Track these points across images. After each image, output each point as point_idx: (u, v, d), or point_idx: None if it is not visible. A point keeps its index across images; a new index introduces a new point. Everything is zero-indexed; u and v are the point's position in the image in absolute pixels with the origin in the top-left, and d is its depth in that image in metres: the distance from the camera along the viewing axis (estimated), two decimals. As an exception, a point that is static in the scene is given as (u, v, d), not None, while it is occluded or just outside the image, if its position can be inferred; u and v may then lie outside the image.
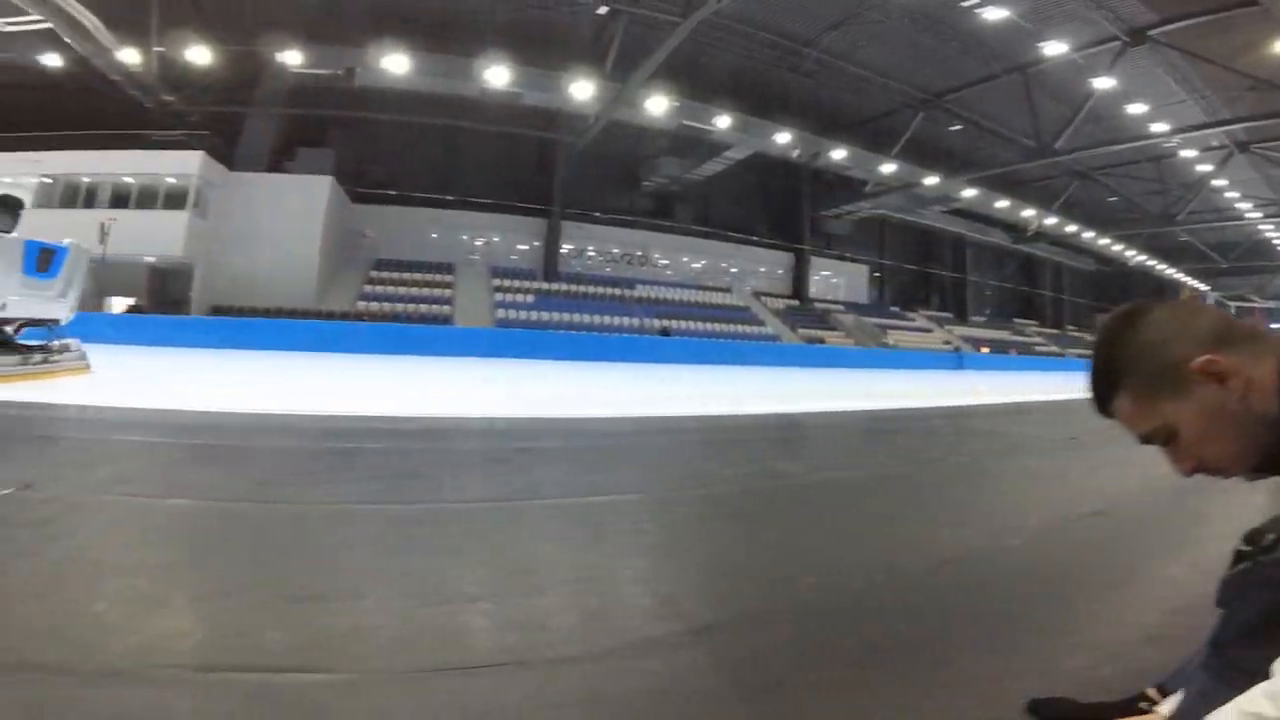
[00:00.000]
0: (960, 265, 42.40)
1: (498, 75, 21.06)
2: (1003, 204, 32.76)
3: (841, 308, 35.41)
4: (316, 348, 16.45)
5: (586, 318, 25.45)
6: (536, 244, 30.56)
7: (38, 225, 20.49)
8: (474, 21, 21.37)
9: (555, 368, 14.73)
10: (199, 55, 19.36)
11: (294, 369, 11.49)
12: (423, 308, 23.86)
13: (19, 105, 22.29)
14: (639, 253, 32.98)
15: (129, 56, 19.07)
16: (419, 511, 3.05)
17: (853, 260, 38.84)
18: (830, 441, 6.80)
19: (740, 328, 28.61)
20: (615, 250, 32.55)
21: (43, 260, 8.21)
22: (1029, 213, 34.08)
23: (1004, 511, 3.85)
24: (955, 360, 28.79)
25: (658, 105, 22.69)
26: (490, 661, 1.62)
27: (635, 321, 26.28)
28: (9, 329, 7.95)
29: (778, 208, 35.38)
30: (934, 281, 42.92)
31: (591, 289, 28.86)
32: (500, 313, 24.89)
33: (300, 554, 2.42)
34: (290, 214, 22.83)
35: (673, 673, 1.60)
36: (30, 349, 7.89)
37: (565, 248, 30.81)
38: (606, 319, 25.75)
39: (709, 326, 27.69)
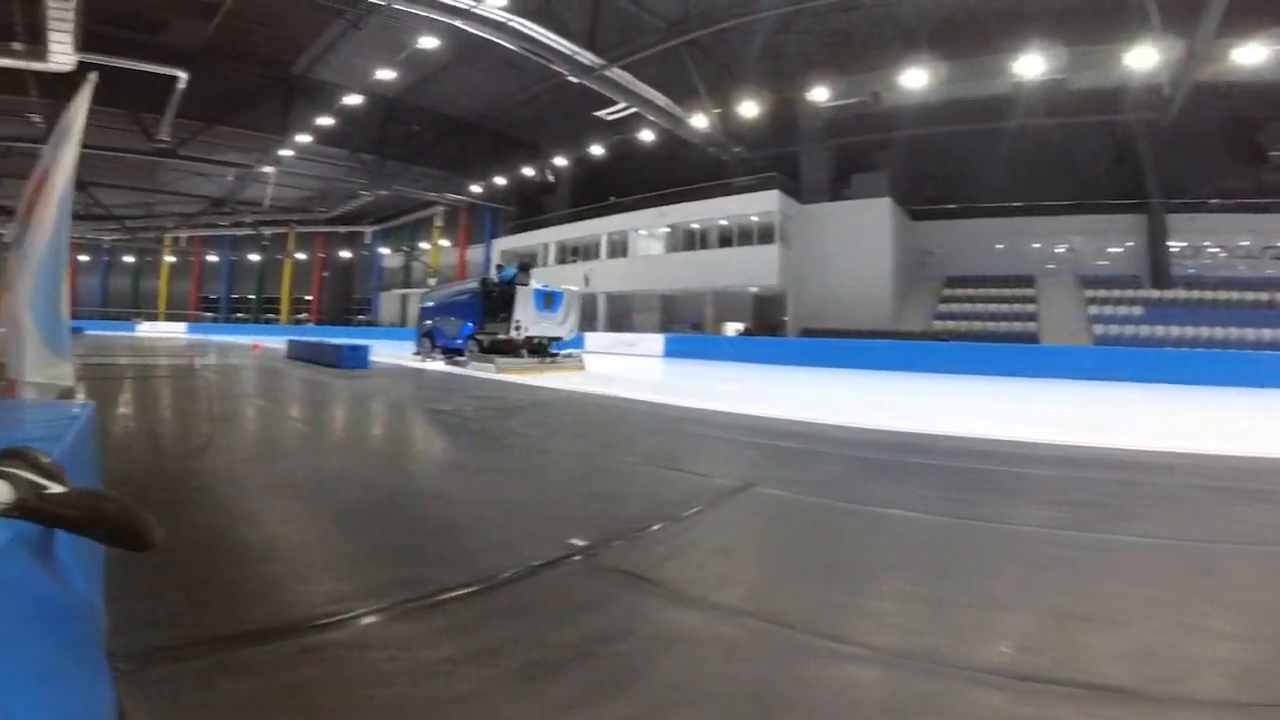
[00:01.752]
0: None
1: (1031, 65, 18.06)
2: None
3: None
4: (897, 367, 16.86)
5: (1218, 331, 19.56)
6: (1131, 244, 25.07)
7: (667, 265, 26.29)
8: (979, 18, 18.80)
9: (1189, 393, 11.49)
10: (747, 109, 21.83)
11: (884, 388, 11.90)
12: (1003, 325, 22.13)
13: (641, 170, 28.95)
14: (1291, 242, 23.74)
15: (698, 122, 22.86)
16: (1128, 544, 2.74)
17: None
18: None
19: None
20: (1244, 243, 24.30)
21: (546, 300, 13.14)
22: None
23: None
24: None
25: (1252, 54, 16.02)
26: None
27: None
28: (541, 342, 13.28)
29: None
30: None
31: (1221, 294, 21.94)
32: (1099, 328, 21.19)
33: (1032, 573, 2.38)
34: (858, 238, 24.38)
35: None
36: (548, 354, 13.27)
37: (1174, 246, 24.49)
38: (1252, 332, 19.21)
39: None
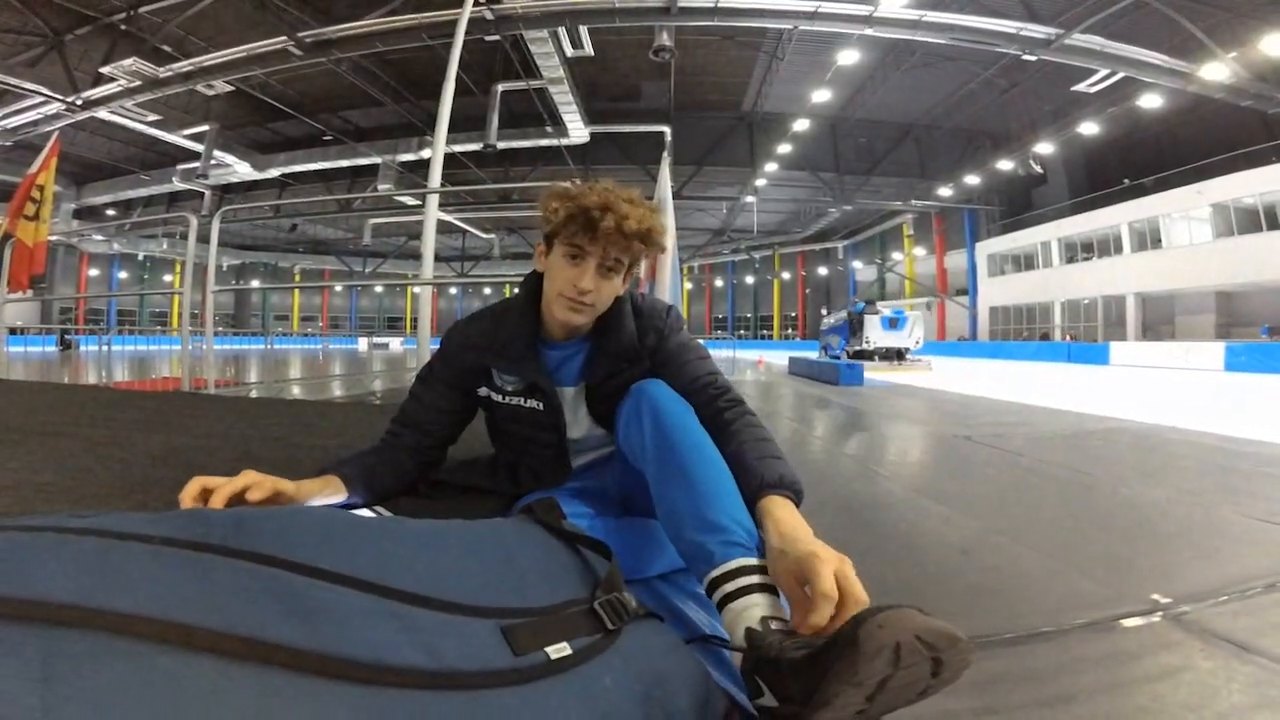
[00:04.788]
0: None
1: None
2: None
3: None
4: None
5: None
6: None
7: (1219, 254, 21.13)
8: None
9: None
10: (1274, 45, 16.01)
11: None
12: None
13: (1157, 144, 23.58)
14: None
15: (1213, 73, 17.21)
16: None
17: None
18: None
19: None
20: None
21: (892, 323, 17.90)
22: None
23: None
24: None
25: None
26: None
27: None
28: (894, 350, 17.85)
29: None
30: None
31: None
32: None
33: None
34: None
35: None
36: (900, 359, 17.70)
37: None
38: None
39: None
